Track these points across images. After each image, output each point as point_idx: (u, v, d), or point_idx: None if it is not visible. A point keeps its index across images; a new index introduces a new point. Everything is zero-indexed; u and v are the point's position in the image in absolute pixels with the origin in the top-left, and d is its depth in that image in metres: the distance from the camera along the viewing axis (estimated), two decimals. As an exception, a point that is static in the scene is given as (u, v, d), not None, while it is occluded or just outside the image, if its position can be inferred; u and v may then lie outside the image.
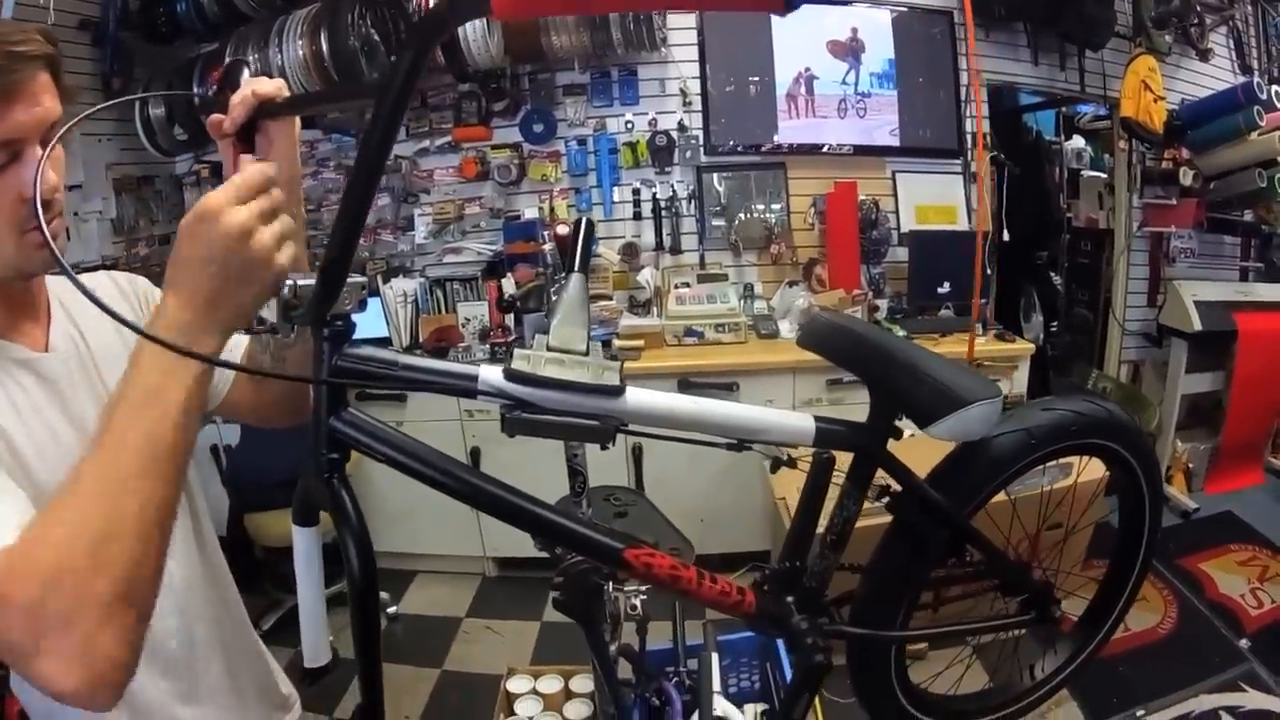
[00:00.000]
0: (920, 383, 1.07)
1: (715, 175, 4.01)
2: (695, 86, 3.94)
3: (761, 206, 4.01)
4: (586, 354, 0.94)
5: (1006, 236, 4.31)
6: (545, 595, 4.30)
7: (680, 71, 3.94)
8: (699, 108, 3.95)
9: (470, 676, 3.22)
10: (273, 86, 0.97)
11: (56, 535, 0.75)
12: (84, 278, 1.22)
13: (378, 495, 3.33)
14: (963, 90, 4.23)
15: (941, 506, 1.17)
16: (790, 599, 1.18)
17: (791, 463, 1.18)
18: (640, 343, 3.63)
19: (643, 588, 1.53)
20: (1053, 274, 4.97)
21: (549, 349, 0.94)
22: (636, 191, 3.95)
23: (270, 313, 0.85)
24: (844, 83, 4.11)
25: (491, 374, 0.91)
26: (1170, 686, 2.84)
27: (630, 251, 3.86)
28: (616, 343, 3.60)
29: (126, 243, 3.98)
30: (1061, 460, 1.31)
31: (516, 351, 0.92)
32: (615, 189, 3.94)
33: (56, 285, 1.15)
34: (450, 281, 3.91)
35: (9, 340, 1.05)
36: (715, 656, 1.80)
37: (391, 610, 3.69)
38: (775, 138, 4.03)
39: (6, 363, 1.03)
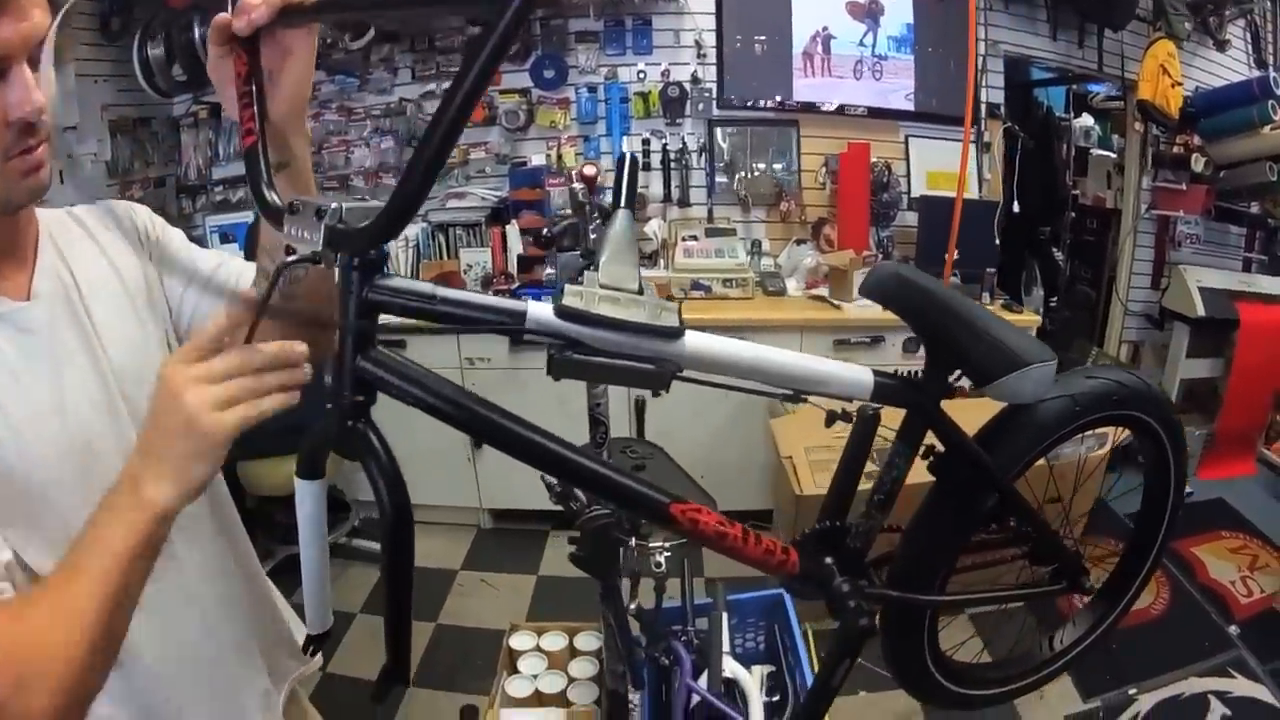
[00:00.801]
0: (981, 340, 1.04)
1: (726, 129, 3.93)
2: (710, 39, 3.87)
3: (773, 164, 3.94)
4: (641, 293, 0.88)
5: (1017, 208, 4.27)
6: (542, 548, 4.27)
7: (695, 23, 3.86)
8: (713, 60, 3.87)
9: (466, 631, 3.16)
10: None
11: (8, 636, 0.77)
12: (81, 209, 1.14)
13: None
14: (979, 59, 4.18)
15: (991, 470, 1.13)
16: (830, 560, 1.13)
17: (847, 417, 1.12)
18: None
19: (667, 545, 1.49)
20: (1055, 249, 4.94)
21: (602, 287, 0.87)
22: (646, 142, 3.88)
23: (309, 237, 0.79)
24: (861, 44, 4.04)
25: (541, 311, 0.84)
26: (1162, 667, 2.86)
27: (638, 202, 3.78)
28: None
29: (121, 185, 3.88)
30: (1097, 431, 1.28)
31: (567, 288, 0.85)
32: (625, 138, 3.86)
33: (48, 217, 1.06)
34: (453, 227, 3.82)
35: None
36: (724, 616, 1.76)
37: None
38: (790, 95, 3.96)
39: None
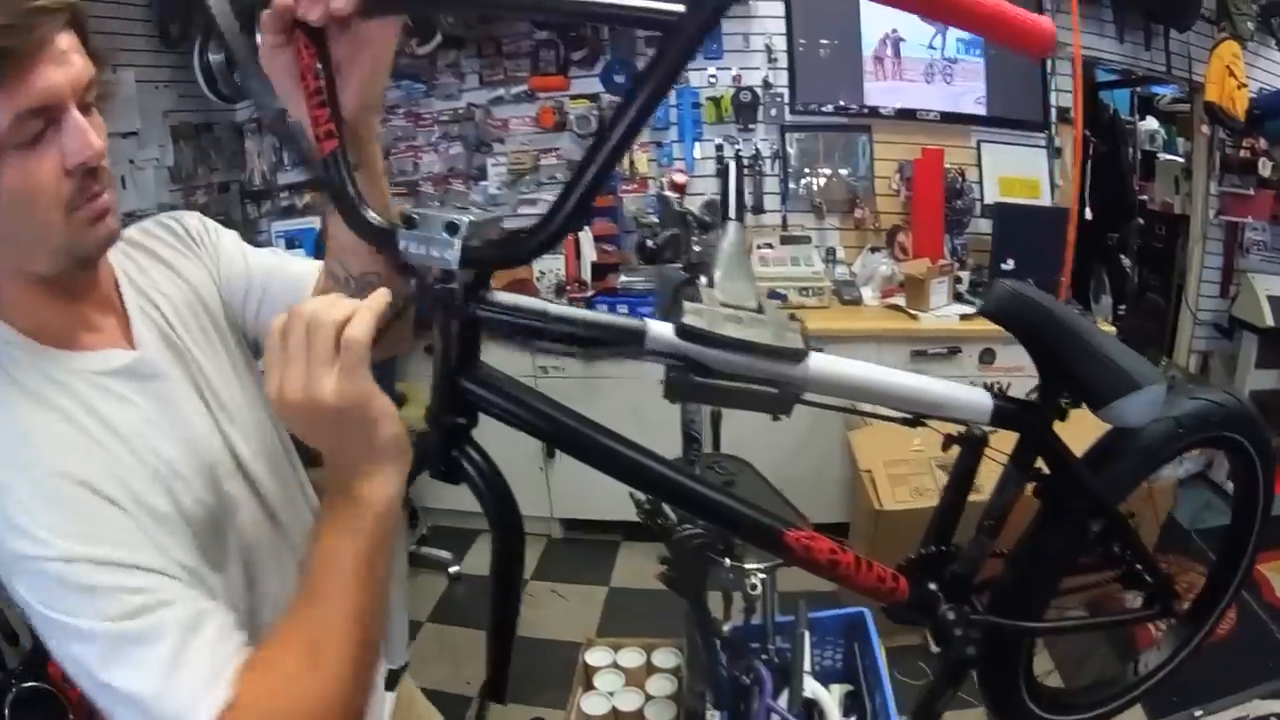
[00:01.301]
0: (1096, 362, 1.03)
1: (799, 134, 3.87)
2: (780, 43, 3.80)
3: (846, 169, 3.88)
4: (761, 311, 0.84)
5: (1090, 215, 4.20)
6: (613, 559, 4.23)
7: (765, 27, 3.80)
8: (784, 64, 3.81)
9: (536, 642, 3.11)
10: None
11: (274, 696, 0.77)
12: (132, 230, 1.09)
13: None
14: (1049, 62, 4.10)
15: (1100, 495, 1.12)
16: (935, 586, 1.11)
17: (962, 441, 1.11)
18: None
19: (761, 566, 1.45)
20: (1123, 256, 4.85)
21: (722, 305, 0.83)
22: (719, 148, 3.81)
23: (437, 255, 0.73)
24: (931, 46, 3.97)
25: (661, 330, 0.80)
26: (1227, 689, 2.76)
27: (712, 209, 3.72)
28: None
29: (185, 190, 3.88)
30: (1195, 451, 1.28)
31: (687, 305, 0.81)
32: (697, 145, 3.81)
33: (117, 257, 1.02)
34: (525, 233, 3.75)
35: (85, 348, 0.93)
36: (807, 635, 1.74)
37: (453, 570, 3.59)
38: (861, 99, 3.89)
39: (98, 378, 0.91)
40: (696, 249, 1.66)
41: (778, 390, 0.81)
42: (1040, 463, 1.10)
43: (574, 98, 3.82)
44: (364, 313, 0.73)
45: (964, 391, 1.00)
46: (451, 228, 0.71)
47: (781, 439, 3.44)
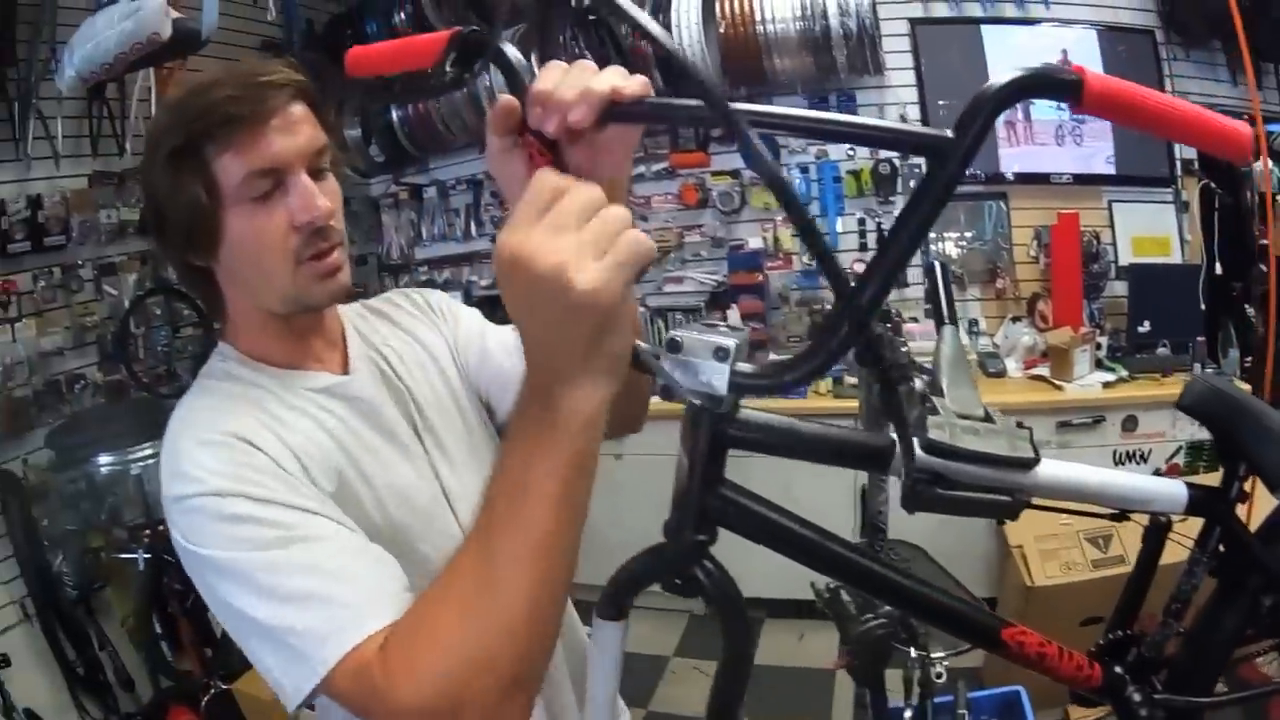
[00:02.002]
0: (1274, 445, 1.07)
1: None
2: (914, 112, 3.83)
3: (984, 238, 3.89)
4: (992, 420, 0.86)
5: (1220, 269, 4.16)
6: (757, 636, 4.19)
7: (899, 96, 3.82)
8: (920, 134, 3.81)
9: (678, 719, 3.12)
10: (641, 86, 0.69)
11: (444, 624, 0.71)
12: (374, 300, 1.22)
13: (588, 529, 3.19)
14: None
15: (1275, 570, 1.14)
16: (1120, 669, 1.12)
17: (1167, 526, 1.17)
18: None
19: (944, 654, 1.50)
20: (1247, 306, 4.78)
21: (958, 416, 0.85)
22: (861, 222, 3.85)
23: (705, 381, 0.68)
24: (1059, 108, 3.95)
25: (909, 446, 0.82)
26: None
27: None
28: (847, 379, 3.50)
29: (322, 264, 3.94)
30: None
31: (930, 420, 0.82)
32: (839, 219, 3.84)
33: (349, 311, 1.14)
34: (672, 311, 3.84)
35: (305, 369, 1.04)
36: (966, 715, 1.78)
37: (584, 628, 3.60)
38: (996, 165, 3.90)
39: (309, 393, 1.02)
40: (904, 349, 1.70)
41: (1010, 498, 0.82)
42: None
43: (715, 174, 3.87)
44: None
45: (1166, 484, 1.04)
46: (721, 353, 0.67)
47: (928, 514, 3.46)
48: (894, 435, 0.82)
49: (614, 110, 0.68)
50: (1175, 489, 1.03)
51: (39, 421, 3.15)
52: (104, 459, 2.98)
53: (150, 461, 2.93)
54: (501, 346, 1.20)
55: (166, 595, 2.97)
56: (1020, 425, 0.88)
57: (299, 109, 0.96)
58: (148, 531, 2.90)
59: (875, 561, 0.87)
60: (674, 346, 0.69)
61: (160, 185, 0.95)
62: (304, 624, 0.79)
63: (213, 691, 2.84)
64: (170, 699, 3.02)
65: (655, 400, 1.09)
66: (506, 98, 0.71)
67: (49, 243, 3.18)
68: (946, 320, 1.25)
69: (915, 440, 0.80)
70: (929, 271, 1.15)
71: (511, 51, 0.76)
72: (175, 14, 2.62)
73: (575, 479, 0.68)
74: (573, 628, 1.19)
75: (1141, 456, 3.50)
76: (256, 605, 0.81)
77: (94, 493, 3.00)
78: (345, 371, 1.08)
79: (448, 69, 0.79)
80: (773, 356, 3.61)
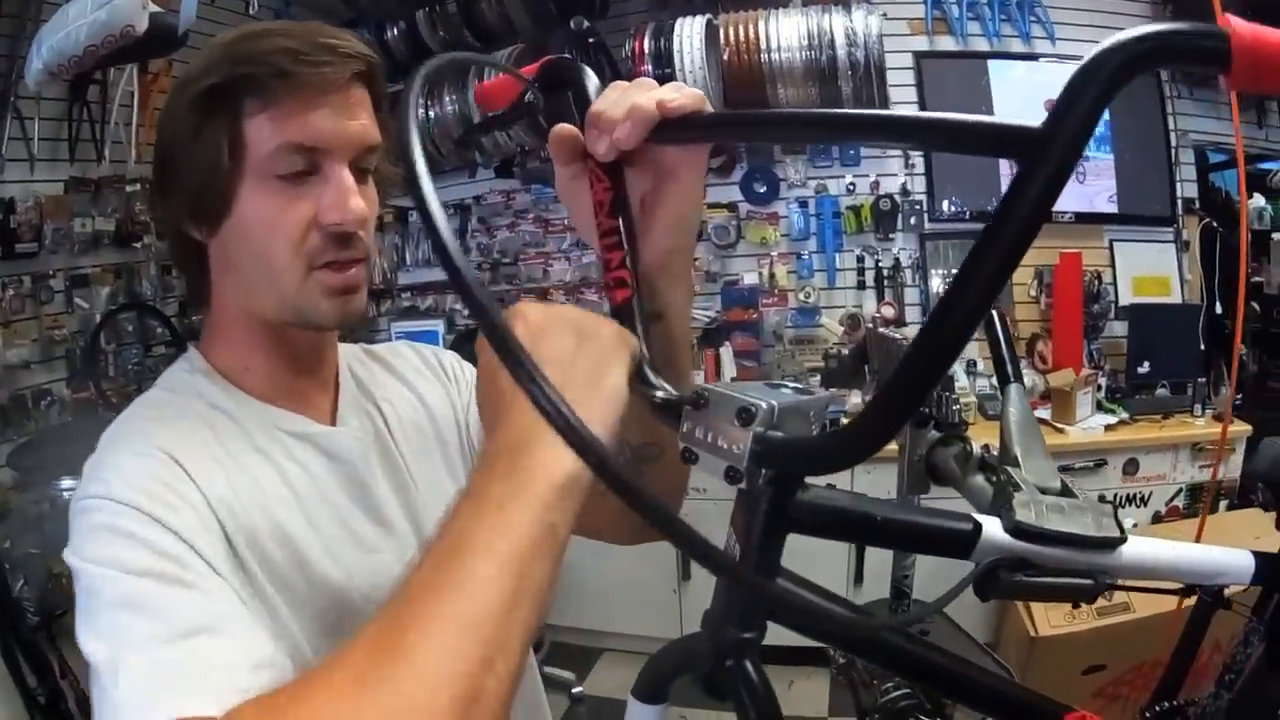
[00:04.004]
0: None
1: (939, 242, 3.81)
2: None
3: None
4: (1073, 494, 0.80)
5: (1220, 309, 4.12)
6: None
7: (901, 130, 3.74)
8: (921, 170, 3.76)
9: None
10: (692, 99, 0.62)
11: (324, 698, 0.50)
12: (380, 347, 1.06)
13: (571, 571, 3.15)
14: (1174, 153, 4.05)
15: None
16: None
17: (1227, 604, 1.11)
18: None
19: None
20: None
21: (1041, 491, 0.78)
22: (860, 259, 3.76)
23: (724, 446, 0.58)
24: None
25: (994, 529, 0.73)
26: None
27: (853, 323, 3.67)
28: (844, 421, 3.40)
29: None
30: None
31: (1018, 496, 0.76)
32: (838, 255, 3.76)
33: (346, 351, 0.99)
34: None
35: (289, 410, 0.88)
36: None
37: (576, 691, 3.50)
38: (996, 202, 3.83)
39: (282, 436, 0.86)
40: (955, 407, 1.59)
41: (1092, 581, 0.74)
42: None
43: (712, 206, 3.77)
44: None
45: (1235, 556, 0.96)
46: (745, 416, 0.57)
47: (924, 559, 3.38)
48: (977, 518, 0.73)
49: (665, 128, 0.62)
50: (1244, 560, 0.96)
51: (2, 438, 3.02)
52: (69, 481, 2.80)
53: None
54: None
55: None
56: (1102, 499, 0.79)
57: (361, 93, 0.84)
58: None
59: (916, 643, 0.76)
60: (698, 402, 0.60)
61: (180, 129, 0.81)
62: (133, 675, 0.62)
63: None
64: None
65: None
66: (563, 125, 0.67)
67: (20, 250, 3.03)
68: (1011, 377, 1.15)
69: (1000, 522, 0.72)
70: (988, 324, 1.06)
71: (591, 77, 0.70)
72: (154, 7, 2.45)
73: (530, 551, 0.53)
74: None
75: (1142, 499, 3.47)
76: (98, 641, 0.65)
77: (58, 515, 2.83)
78: (333, 421, 0.93)
79: (531, 98, 0.73)
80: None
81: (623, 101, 0.63)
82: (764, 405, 0.57)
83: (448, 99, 3.58)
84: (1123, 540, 0.75)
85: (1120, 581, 0.81)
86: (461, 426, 1.05)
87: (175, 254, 0.91)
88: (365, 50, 0.83)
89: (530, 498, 0.53)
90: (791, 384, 0.63)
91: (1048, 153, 0.41)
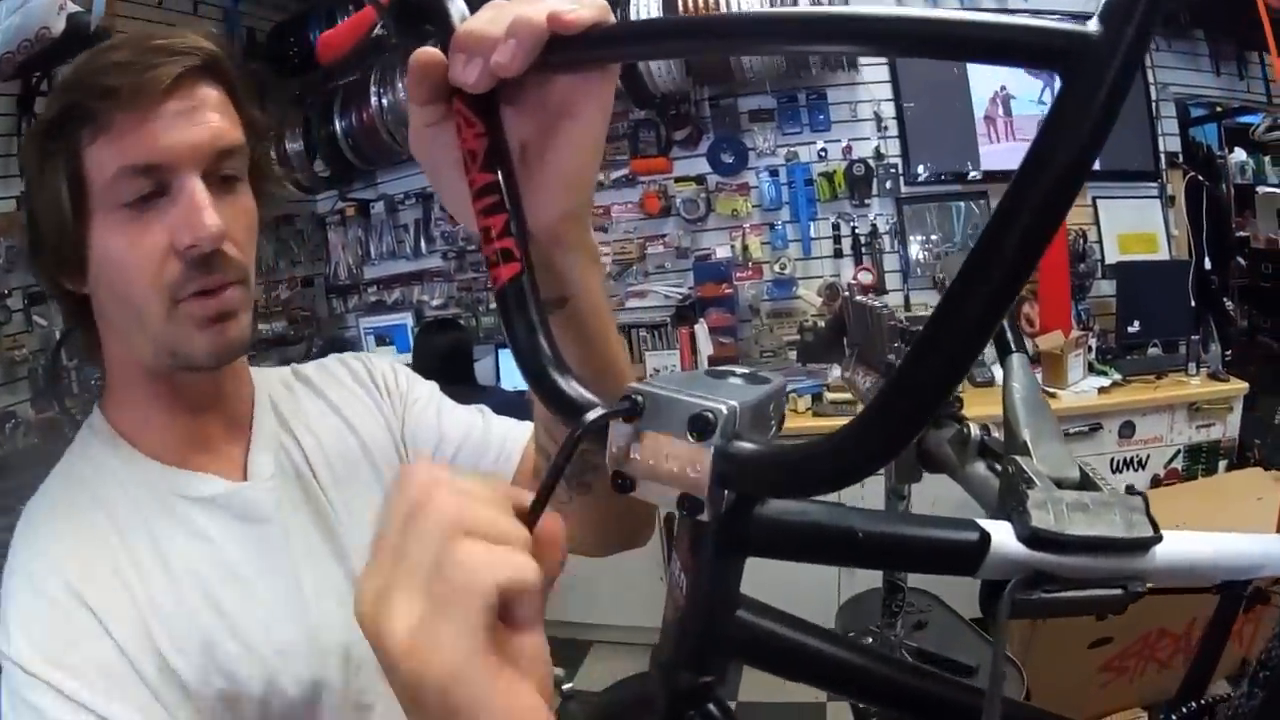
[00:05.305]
0: None
1: (915, 206, 3.69)
2: (889, 110, 3.64)
3: (966, 241, 3.68)
4: (1096, 487, 0.65)
5: (1209, 264, 4.03)
6: (739, 671, 4.01)
7: (872, 94, 3.63)
8: (895, 132, 3.64)
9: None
10: (594, 9, 0.47)
11: None
12: (307, 366, 0.94)
13: (570, 565, 3.02)
14: (1154, 106, 3.95)
15: None
16: None
17: (1265, 597, 1.01)
18: (850, 395, 3.31)
19: None
20: (1225, 299, 4.66)
21: (1057, 485, 0.63)
22: (836, 226, 3.65)
23: (673, 465, 0.44)
24: (1040, 101, 3.79)
25: (1004, 537, 0.57)
26: None
27: (831, 293, 3.54)
28: (828, 395, 3.29)
29: (266, 284, 3.75)
30: None
31: (1032, 495, 0.60)
32: (812, 224, 3.64)
33: (266, 377, 0.89)
34: (636, 328, 3.61)
35: (188, 468, 0.79)
36: None
37: (566, 688, 3.38)
38: (977, 164, 3.72)
39: (184, 505, 0.77)
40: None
41: (1122, 591, 0.60)
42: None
43: (678, 180, 3.68)
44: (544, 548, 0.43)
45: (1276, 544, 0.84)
46: (700, 425, 0.43)
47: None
48: (984, 526, 0.57)
49: (558, 48, 0.47)
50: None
51: (-35, 465, 2.88)
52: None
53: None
54: (457, 426, 0.95)
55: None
56: (1132, 491, 0.65)
57: (208, 91, 0.74)
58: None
59: (918, 675, 0.62)
60: (633, 408, 0.44)
61: (30, 177, 0.75)
62: None
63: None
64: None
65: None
66: (425, 49, 0.50)
67: (-25, 269, 2.90)
68: (1013, 347, 1.01)
69: (1012, 528, 0.57)
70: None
71: (457, 3, 0.53)
72: (72, 7, 2.34)
73: None
74: None
75: (1140, 463, 3.40)
76: None
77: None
78: (243, 473, 0.84)
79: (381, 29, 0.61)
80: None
81: (501, 18, 0.48)
82: (723, 409, 0.43)
83: (400, 85, 3.45)
84: (1158, 539, 0.61)
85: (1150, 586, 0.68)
86: (397, 441, 0.95)
87: (63, 312, 0.85)
88: (204, 43, 0.74)
89: None
90: (739, 370, 0.48)
91: (1105, 63, 0.33)
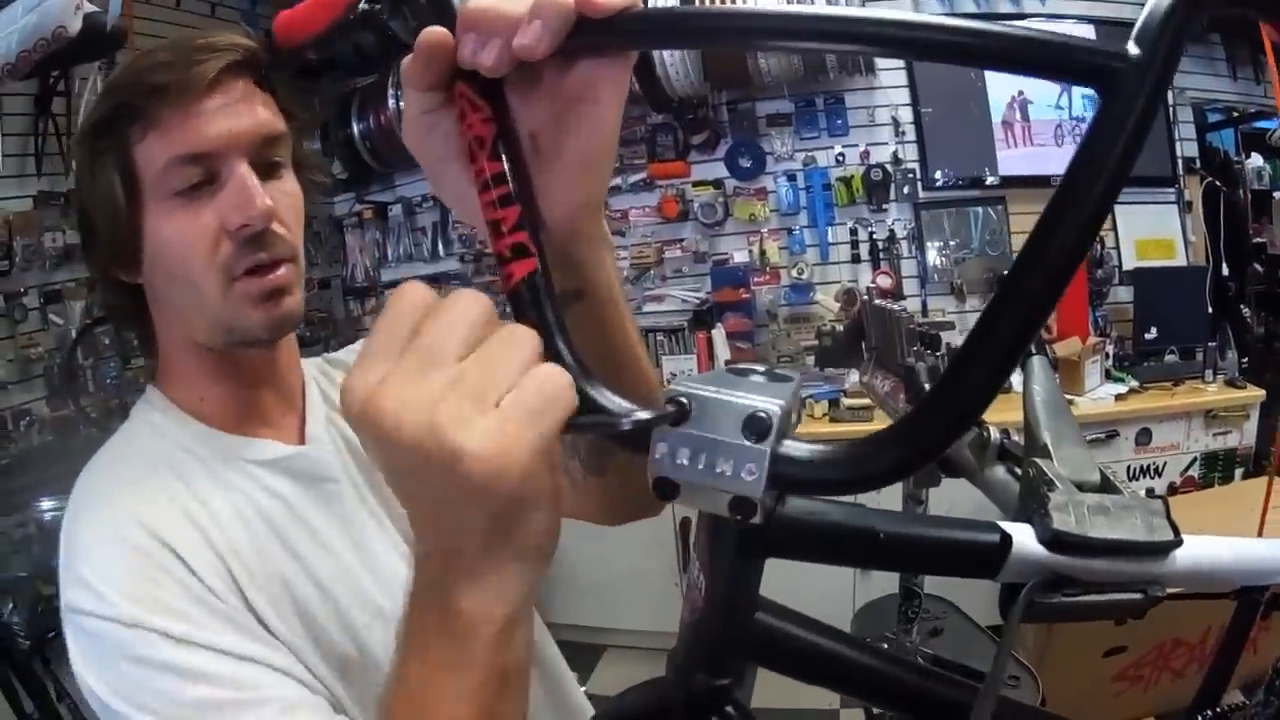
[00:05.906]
0: None
1: (933, 211, 3.70)
2: (906, 115, 3.64)
3: (984, 247, 3.69)
4: (1117, 490, 0.63)
5: (1226, 270, 4.01)
6: (753, 675, 4.13)
7: (890, 99, 3.64)
8: (913, 138, 3.65)
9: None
10: None
11: None
12: (342, 352, 1.00)
13: (568, 566, 3.13)
14: (1172, 110, 3.94)
15: None
16: None
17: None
18: (868, 400, 3.32)
19: None
20: (1242, 306, 4.63)
21: (1078, 488, 0.62)
22: (854, 231, 3.65)
23: (724, 470, 0.42)
24: (1058, 106, 3.79)
25: (1026, 540, 0.56)
26: None
27: (849, 298, 3.55)
28: (845, 401, 3.30)
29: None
30: None
31: (1053, 497, 0.58)
32: (830, 229, 3.65)
33: (311, 366, 0.94)
34: (653, 332, 3.62)
35: (249, 435, 0.83)
36: None
37: (581, 690, 3.40)
38: (995, 169, 3.72)
39: (249, 466, 0.80)
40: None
41: (1141, 595, 0.59)
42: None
43: (696, 184, 3.69)
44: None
45: None
46: (757, 426, 0.42)
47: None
48: (1006, 528, 0.56)
49: (583, 32, 0.44)
50: None
51: (-18, 461, 2.94)
52: (51, 502, 2.74)
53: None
54: None
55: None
56: (1152, 493, 0.66)
57: (246, 85, 0.79)
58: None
59: (930, 677, 0.62)
60: (680, 413, 0.42)
61: (82, 178, 0.80)
62: None
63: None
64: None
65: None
66: (435, 29, 0.46)
67: (-9, 268, 2.96)
68: (1032, 349, 1.02)
69: (1033, 531, 0.56)
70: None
71: None
72: (90, 7, 2.34)
73: (496, 701, 0.46)
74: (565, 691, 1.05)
75: (1156, 471, 3.40)
76: None
77: (44, 537, 2.74)
78: (301, 440, 0.88)
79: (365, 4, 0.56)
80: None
81: None
82: (776, 409, 0.42)
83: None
84: (1178, 543, 0.61)
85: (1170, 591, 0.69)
86: None
87: (112, 307, 0.89)
88: (241, 40, 0.80)
89: (475, 650, 0.45)
90: (759, 367, 0.47)
91: (1143, 82, 0.35)
